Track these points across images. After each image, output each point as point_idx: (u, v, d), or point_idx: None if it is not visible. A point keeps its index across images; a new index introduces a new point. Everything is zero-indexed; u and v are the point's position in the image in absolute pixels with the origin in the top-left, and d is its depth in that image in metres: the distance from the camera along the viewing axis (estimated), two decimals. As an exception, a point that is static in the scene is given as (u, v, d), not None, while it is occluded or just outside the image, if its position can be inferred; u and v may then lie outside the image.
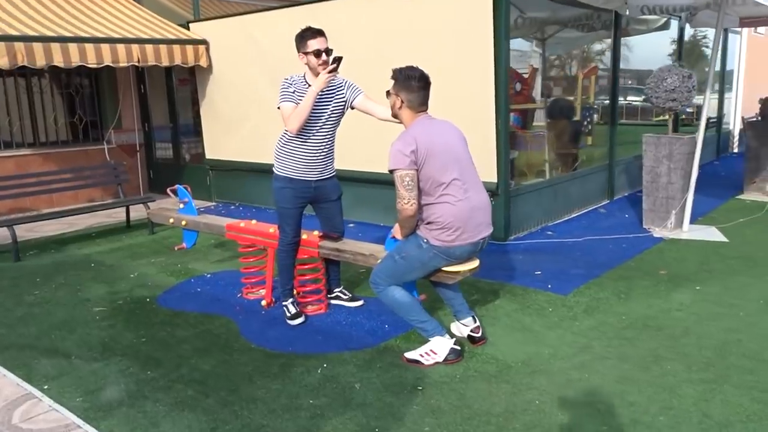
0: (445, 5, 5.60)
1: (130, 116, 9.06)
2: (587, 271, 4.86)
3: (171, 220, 5.00)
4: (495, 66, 5.38)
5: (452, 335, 3.47)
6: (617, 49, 7.43)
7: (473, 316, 3.57)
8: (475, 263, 3.33)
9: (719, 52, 5.62)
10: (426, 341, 3.36)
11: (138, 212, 7.20)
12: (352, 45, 6.29)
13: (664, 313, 3.97)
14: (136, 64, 7.01)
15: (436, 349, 3.29)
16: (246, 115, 7.78)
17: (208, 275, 5.12)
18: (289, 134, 3.81)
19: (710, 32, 10.63)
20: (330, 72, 3.58)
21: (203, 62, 7.76)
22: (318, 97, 3.64)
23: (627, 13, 7.32)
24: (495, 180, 5.61)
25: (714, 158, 11.31)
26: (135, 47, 6.96)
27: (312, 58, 3.66)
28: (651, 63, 8.74)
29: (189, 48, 7.56)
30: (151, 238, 6.52)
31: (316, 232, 4.14)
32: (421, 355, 3.31)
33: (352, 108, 3.93)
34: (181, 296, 4.62)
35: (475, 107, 5.53)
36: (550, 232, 6.15)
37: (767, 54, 13.70)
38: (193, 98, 8.65)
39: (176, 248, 5.07)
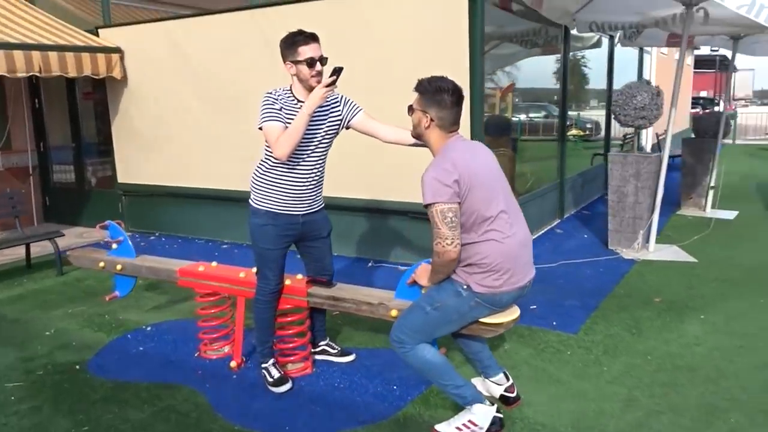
0: (413, 14, 5.11)
1: (21, 135, 7.78)
2: (581, 301, 4.51)
3: (101, 264, 4.09)
4: (470, 84, 4.94)
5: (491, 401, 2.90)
6: (566, 65, 7.29)
7: (505, 373, 3.03)
8: (517, 312, 2.80)
9: (682, 70, 5.49)
10: (457, 407, 2.79)
11: (40, 247, 6.08)
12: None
13: (685, 349, 3.66)
14: (38, 74, 5.92)
15: (476, 419, 2.71)
16: (169, 134, 6.86)
17: (148, 328, 4.24)
18: (272, 160, 3.12)
19: (633, 52, 10.96)
20: (328, 86, 2.93)
21: (117, 73, 6.76)
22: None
23: (575, 30, 7.20)
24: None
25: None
26: (36, 54, 5.86)
27: (303, 69, 3.00)
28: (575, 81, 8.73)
29: (100, 57, 6.54)
30: (60, 280, 5.46)
31: (299, 276, 3.45)
32: (458, 428, 2.73)
33: (348, 128, 3.30)
34: (120, 359, 3.74)
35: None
36: (519, 258, 5.77)
37: (670, 72, 14.45)
38: (101, 114, 7.56)
39: (107, 298, 4.15)
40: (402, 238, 5.64)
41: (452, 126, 2.68)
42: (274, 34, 5.87)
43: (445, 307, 2.67)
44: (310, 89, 3.00)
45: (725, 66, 21.93)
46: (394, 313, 3.00)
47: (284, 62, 3.05)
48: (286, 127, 2.98)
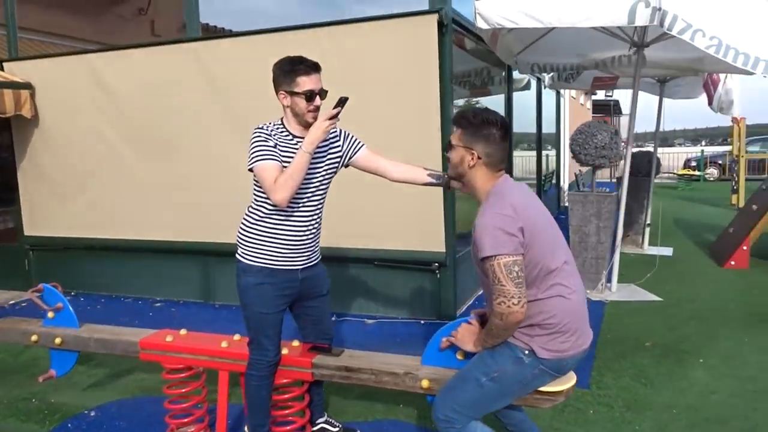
0: (381, 46, 4.80)
1: None
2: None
3: (34, 338, 3.33)
4: (441, 118, 4.67)
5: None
6: (511, 107, 7.27)
7: (552, 445, 2.67)
8: (574, 377, 2.46)
9: (636, 107, 5.56)
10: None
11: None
12: (250, 88, 5.19)
13: (704, 399, 3.47)
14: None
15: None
16: (88, 179, 6.07)
17: (92, 413, 3.50)
18: (267, 207, 2.63)
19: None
20: (331, 119, 2.52)
21: (26, 111, 5.92)
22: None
23: (517, 72, 7.23)
24: (443, 249, 4.82)
25: (557, 212, 11.89)
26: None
27: (300, 102, 2.57)
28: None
29: (8, 93, 5.70)
30: (-40, 357, 4.51)
31: (296, 343, 2.93)
32: None
33: (347, 166, 2.88)
34: (64, 458, 3.00)
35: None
36: (488, 304, 5.49)
37: (580, 115, 15.20)
38: (4, 158, 6.59)
39: (40, 379, 3.37)
40: (367, 288, 5.19)
41: (501, 164, 2.33)
42: (220, 70, 5.46)
43: (504, 376, 2.27)
44: (306, 124, 2.59)
45: (618, 110, 23.60)
46: (425, 383, 2.56)
47: (276, 91, 2.62)
48: (284, 167, 2.53)
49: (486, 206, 2.23)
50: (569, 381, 2.42)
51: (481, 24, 4.76)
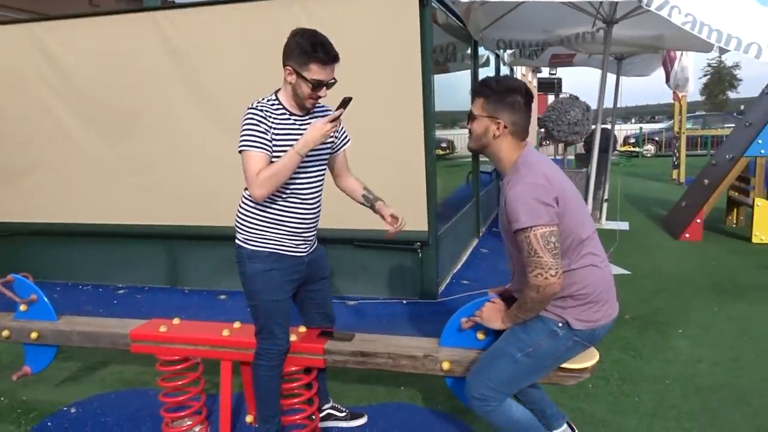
0: (358, 18, 4.63)
1: None
2: (559, 325, 4.32)
3: (5, 334, 3.07)
4: (423, 97, 4.58)
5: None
6: (476, 80, 7.23)
7: (569, 422, 2.67)
8: (597, 354, 2.45)
9: (605, 84, 5.63)
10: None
11: None
12: (217, 61, 4.95)
13: (691, 368, 3.59)
14: None
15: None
16: (38, 160, 5.66)
17: (72, 409, 3.27)
18: (276, 190, 2.48)
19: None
20: (333, 121, 2.39)
21: (-35, 85, 5.43)
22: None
23: (482, 48, 7.20)
24: (425, 228, 4.76)
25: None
26: None
27: (305, 88, 2.38)
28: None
29: (-56, 65, 5.20)
30: None
31: (303, 329, 2.81)
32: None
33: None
34: (51, 461, 2.79)
35: (401, 142, 4.64)
36: (465, 281, 5.50)
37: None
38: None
39: (14, 377, 3.11)
40: (347, 269, 5.08)
41: (525, 133, 2.26)
42: (183, 42, 5.13)
43: (539, 351, 2.24)
44: (302, 107, 2.46)
45: (560, 88, 24.07)
46: (446, 365, 2.50)
47: (284, 62, 2.41)
48: (276, 150, 2.40)
49: (517, 177, 2.16)
50: (593, 357, 2.42)
51: (460, -4, 4.67)
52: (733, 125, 22.18)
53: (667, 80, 7.47)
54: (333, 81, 2.42)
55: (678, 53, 7.26)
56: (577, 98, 5.63)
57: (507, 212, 2.13)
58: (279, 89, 2.50)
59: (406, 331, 4.19)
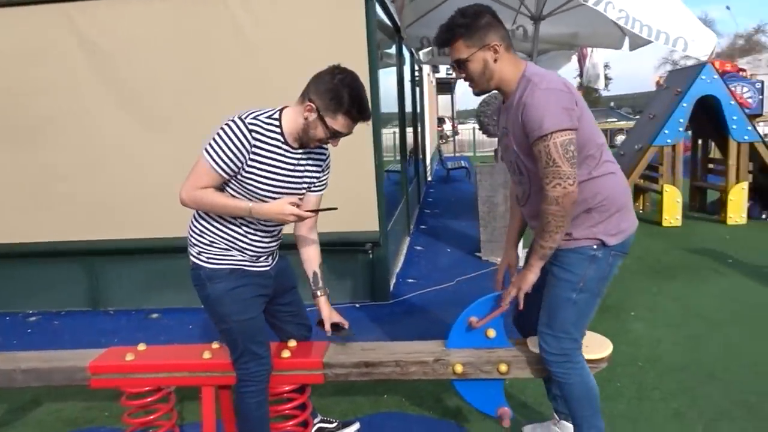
0: (299, 12, 4.39)
1: None
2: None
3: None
4: (371, 94, 4.42)
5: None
6: (403, 81, 7.18)
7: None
8: (611, 345, 2.43)
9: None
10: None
11: None
12: (141, 58, 4.53)
13: (656, 348, 3.70)
14: None
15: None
16: None
17: (10, 460, 2.81)
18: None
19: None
20: (298, 217, 2.18)
21: None
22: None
23: (406, 45, 7.15)
24: (377, 228, 4.61)
25: (426, 187, 12.19)
26: None
27: (321, 132, 2.14)
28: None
29: None
30: None
31: (293, 343, 2.57)
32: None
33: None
34: None
35: (348, 140, 4.44)
36: (411, 280, 5.41)
37: (429, 90, 15.61)
38: None
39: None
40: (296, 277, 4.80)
41: (512, 42, 2.19)
42: (103, 38, 4.61)
43: (589, 281, 2.18)
44: (304, 145, 2.22)
45: (454, 87, 24.79)
46: (459, 369, 2.38)
47: (308, 97, 2.12)
48: (253, 174, 2.15)
49: (532, 86, 2.04)
50: (608, 347, 2.39)
51: (401, -10, 4.57)
52: (616, 119, 24.04)
53: (581, 76, 7.82)
54: (349, 133, 2.21)
55: (589, 50, 7.61)
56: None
57: (526, 122, 2.02)
58: (284, 108, 2.22)
59: (369, 336, 4.02)
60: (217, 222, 2.26)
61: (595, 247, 2.16)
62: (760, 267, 5.32)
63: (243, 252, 2.29)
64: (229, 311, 2.26)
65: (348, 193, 4.55)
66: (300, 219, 2.20)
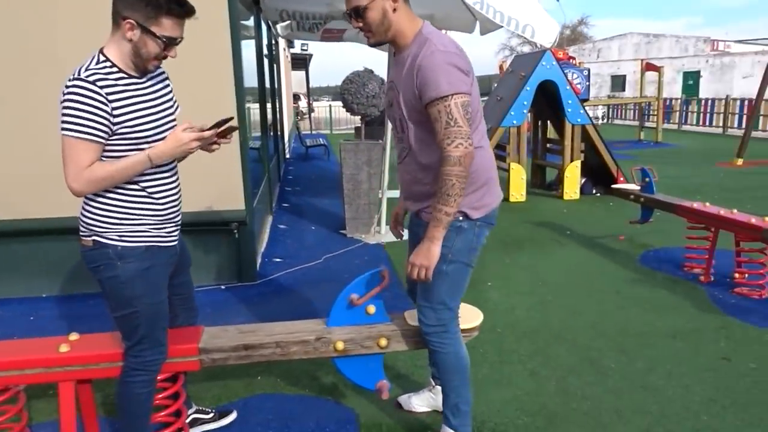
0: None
1: None
2: (394, 290, 4.44)
3: None
4: (234, 67, 4.24)
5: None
6: (261, 56, 6.95)
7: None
8: (481, 314, 2.57)
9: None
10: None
11: None
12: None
13: (511, 315, 4.00)
14: None
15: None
16: None
17: None
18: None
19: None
20: (200, 141, 2.07)
21: None
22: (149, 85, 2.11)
23: (264, 18, 6.93)
24: (242, 207, 4.47)
25: (284, 164, 12.01)
26: None
27: (152, 45, 1.97)
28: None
29: None
30: None
31: (164, 331, 2.42)
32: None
33: None
34: None
35: (212, 115, 4.23)
36: (277, 259, 5.33)
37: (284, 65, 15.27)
38: None
39: None
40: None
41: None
42: None
43: (457, 252, 2.20)
44: (142, 69, 2.05)
45: (308, 63, 24.52)
46: (340, 346, 2.39)
47: (122, 16, 1.94)
48: (121, 116, 1.97)
49: (429, 46, 2.02)
50: (478, 317, 2.54)
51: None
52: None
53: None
54: (182, 39, 2.06)
55: (444, 32, 7.90)
56: (372, 72, 5.78)
57: (423, 83, 1.99)
58: (102, 49, 2.03)
59: (239, 318, 3.92)
60: (119, 195, 2.05)
61: (461, 218, 2.18)
62: (592, 237, 5.94)
63: (158, 212, 2.12)
64: (139, 293, 2.09)
65: (212, 171, 4.38)
66: (203, 141, 2.07)
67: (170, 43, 2.00)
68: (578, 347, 3.48)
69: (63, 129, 1.92)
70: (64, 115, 1.91)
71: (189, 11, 2.01)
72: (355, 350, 2.40)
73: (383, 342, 2.41)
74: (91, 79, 1.92)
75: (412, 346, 2.49)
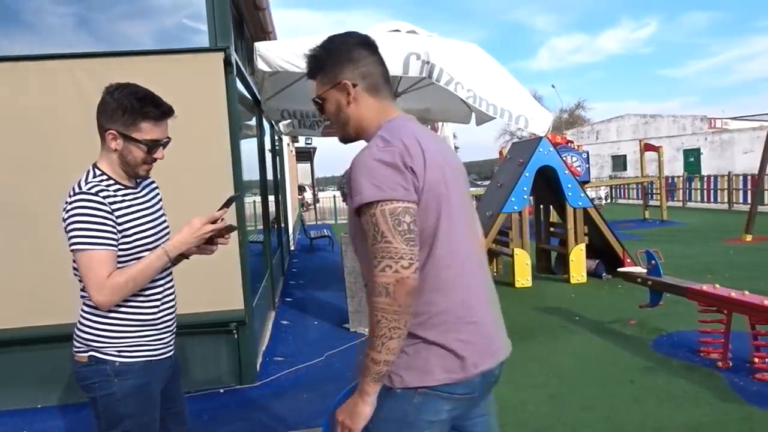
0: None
1: None
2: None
3: None
4: (233, 164, 4.31)
5: None
6: (264, 151, 7.11)
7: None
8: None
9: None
10: None
11: None
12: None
13: (522, 411, 3.83)
14: None
15: None
16: None
17: None
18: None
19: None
20: (214, 222, 2.09)
21: None
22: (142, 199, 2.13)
23: (266, 117, 7.15)
24: (242, 306, 4.40)
25: (288, 256, 12.02)
26: None
27: (138, 152, 2.01)
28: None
29: None
30: None
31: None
32: None
33: None
34: None
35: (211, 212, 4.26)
36: (279, 358, 5.19)
37: (289, 158, 15.66)
38: None
39: None
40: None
41: (386, 84, 1.72)
42: None
43: (381, 426, 1.61)
44: (135, 176, 2.08)
45: (313, 155, 25.19)
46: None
47: (103, 126, 1.99)
48: (123, 230, 1.97)
49: (369, 143, 1.62)
50: None
51: (262, 66, 4.60)
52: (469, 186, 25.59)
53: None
54: (167, 139, 2.09)
55: (439, 124, 8.12)
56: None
57: (349, 188, 1.58)
58: (95, 164, 2.05)
59: (237, 425, 3.76)
60: (132, 303, 2.01)
61: (393, 377, 1.61)
62: (602, 323, 5.79)
63: (155, 325, 2.06)
64: (133, 411, 2.00)
65: (210, 270, 4.34)
66: (214, 224, 2.06)
67: (154, 145, 2.03)
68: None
69: (75, 244, 1.90)
70: (73, 230, 1.90)
71: (166, 112, 2.05)
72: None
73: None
74: (93, 190, 1.93)
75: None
